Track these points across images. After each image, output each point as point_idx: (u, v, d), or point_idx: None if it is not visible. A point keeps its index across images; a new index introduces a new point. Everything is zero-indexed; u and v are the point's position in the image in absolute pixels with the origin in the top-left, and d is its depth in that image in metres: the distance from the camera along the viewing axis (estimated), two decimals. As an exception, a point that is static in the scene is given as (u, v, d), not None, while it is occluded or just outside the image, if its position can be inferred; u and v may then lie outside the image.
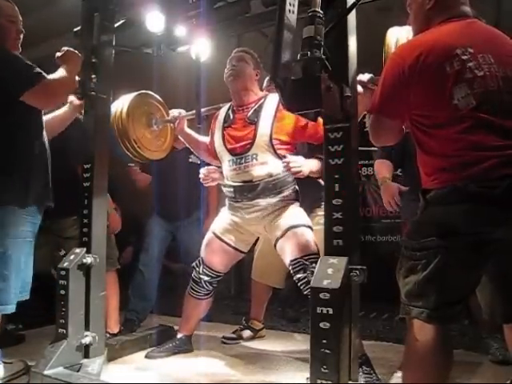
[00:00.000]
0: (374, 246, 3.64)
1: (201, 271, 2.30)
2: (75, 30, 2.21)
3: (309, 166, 2.11)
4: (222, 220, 2.30)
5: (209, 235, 2.33)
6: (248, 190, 2.13)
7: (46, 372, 1.76)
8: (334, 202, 1.49)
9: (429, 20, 1.45)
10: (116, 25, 2.23)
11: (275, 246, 2.14)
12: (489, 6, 3.44)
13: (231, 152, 2.17)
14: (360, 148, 1.63)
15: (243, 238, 2.29)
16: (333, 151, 1.50)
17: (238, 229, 2.26)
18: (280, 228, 2.10)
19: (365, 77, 1.72)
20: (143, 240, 3.03)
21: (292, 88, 1.27)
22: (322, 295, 1.35)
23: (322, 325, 1.35)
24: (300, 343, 2.51)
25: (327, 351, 1.33)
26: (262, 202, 2.12)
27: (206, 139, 2.42)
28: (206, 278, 2.28)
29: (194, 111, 2.36)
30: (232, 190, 2.19)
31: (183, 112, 2.37)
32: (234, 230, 2.27)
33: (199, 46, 2.32)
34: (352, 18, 1.54)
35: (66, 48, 1.95)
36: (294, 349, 2.46)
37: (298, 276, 2.00)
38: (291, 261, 2.03)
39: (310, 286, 1.40)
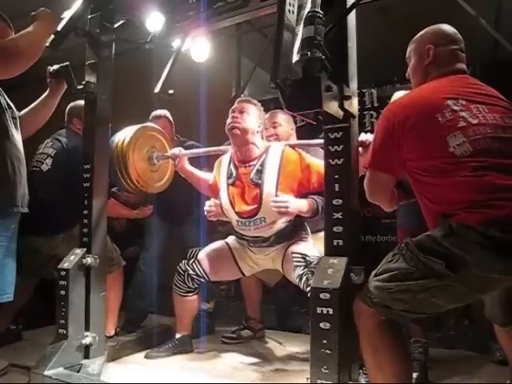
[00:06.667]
0: (373, 246, 3.63)
1: (189, 263, 2.31)
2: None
3: (297, 205, 2.04)
4: (237, 243, 2.32)
5: (221, 242, 2.37)
6: (261, 241, 2.20)
7: (46, 372, 1.76)
8: (334, 202, 1.49)
9: (426, 74, 1.52)
10: (116, 25, 2.23)
11: (283, 271, 2.21)
12: (489, 5, 3.45)
13: (238, 215, 2.17)
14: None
15: (251, 264, 2.34)
16: (333, 151, 1.51)
17: (249, 257, 2.31)
18: (283, 253, 2.18)
19: (366, 137, 1.69)
20: (144, 240, 3.03)
21: (292, 88, 1.27)
22: (322, 295, 1.36)
23: (322, 325, 1.35)
24: (300, 343, 2.50)
25: (327, 351, 1.33)
26: (276, 246, 2.20)
27: (207, 176, 2.41)
28: (191, 272, 2.29)
29: (193, 150, 2.45)
30: (244, 240, 2.26)
31: (183, 150, 2.40)
32: (246, 256, 2.32)
33: (199, 47, 2.32)
34: (352, 18, 1.55)
35: (42, 8, 1.86)
36: (293, 349, 2.46)
37: (300, 273, 2.00)
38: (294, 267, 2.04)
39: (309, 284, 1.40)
